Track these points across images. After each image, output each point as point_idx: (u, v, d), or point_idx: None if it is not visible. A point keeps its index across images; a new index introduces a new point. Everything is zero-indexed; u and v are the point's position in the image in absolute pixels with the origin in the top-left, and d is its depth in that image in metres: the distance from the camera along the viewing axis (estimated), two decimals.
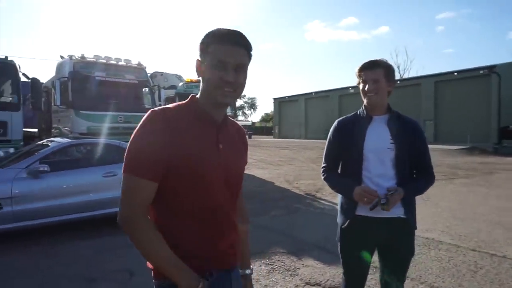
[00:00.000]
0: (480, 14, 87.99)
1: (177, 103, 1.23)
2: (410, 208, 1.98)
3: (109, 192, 5.04)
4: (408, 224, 1.98)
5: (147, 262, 1.18)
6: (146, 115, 1.15)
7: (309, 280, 3.53)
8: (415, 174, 2.07)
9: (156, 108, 1.17)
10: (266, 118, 76.44)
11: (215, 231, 1.20)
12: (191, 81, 12.17)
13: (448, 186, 9.29)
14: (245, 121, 73.04)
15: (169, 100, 11.17)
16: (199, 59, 1.20)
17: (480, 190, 8.70)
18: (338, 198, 2.17)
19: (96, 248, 4.47)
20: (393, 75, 2.04)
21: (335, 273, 3.67)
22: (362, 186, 1.94)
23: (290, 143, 32.48)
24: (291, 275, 3.68)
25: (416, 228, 2.03)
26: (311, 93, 42.90)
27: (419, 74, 40.47)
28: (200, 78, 1.22)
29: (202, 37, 1.19)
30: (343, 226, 2.04)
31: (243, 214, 1.44)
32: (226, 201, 1.23)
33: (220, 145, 1.21)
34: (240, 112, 78.26)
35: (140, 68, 9.58)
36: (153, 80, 11.38)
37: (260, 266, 3.88)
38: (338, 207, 2.14)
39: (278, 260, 4.06)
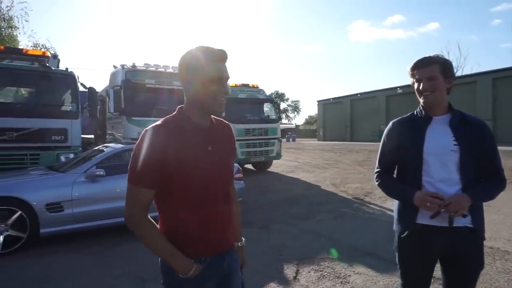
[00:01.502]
0: None
1: (164, 118, 1.42)
2: (478, 216, 1.82)
3: None
4: (476, 234, 1.81)
5: None
6: (144, 132, 1.37)
7: None
8: (482, 178, 1.88)
9: (150, 126, 1.38)
10: (310, 121, 75.61)
11: (210, 221, 1.43)
12: (236, 85, 12.35)
13: (511, 191, 8.56)
14: (289, 124, 72.76)
15: None
16: (189, 72, 1.38)
17: None
18: (394, 204, 2.05)
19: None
20: (451, 70, 1.89)
21: (389, 282, 3.50)
22: (424, 190, 1.81)
23: (335, 145, 31.82)
24: (341, 282, 3.56)
25: (484, 239, 1.86)
26: (357, 94, 41.77)
27: (474, 72, 37.85)
28: (186, 89, 1.42)
29: (190, 52, 1.39)
30: (402, 236, 1.91)
31: (234, 197, 1.63)
32: (219, 193, 1.45)
33: (209, 147, 1.42)
34: (284, 115, 78.08)
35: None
36: None
37: (309, 272, 3.80)
38: (395, 215, 2.01)
39: (328, 267, 3.94)
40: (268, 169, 13.44)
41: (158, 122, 1.40)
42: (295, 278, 3.68)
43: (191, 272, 1.38)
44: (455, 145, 1.82)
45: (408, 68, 1.95)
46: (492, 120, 28.03)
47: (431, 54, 1.91)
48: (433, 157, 1.84)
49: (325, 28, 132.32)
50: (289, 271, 3.80)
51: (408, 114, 2.03)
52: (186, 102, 1.45)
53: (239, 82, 12.62)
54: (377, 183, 2.06)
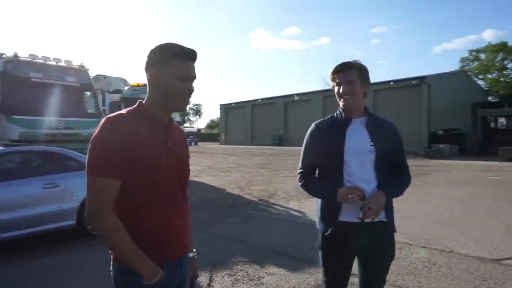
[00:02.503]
0: (408, 30, 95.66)
1: (128, 109, 1.37)
2: (389, 210, 1.97)
3: (52, 205, 4.55)
4: (388, 227, 1.97)
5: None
6: (103, 121, 1.28)
7: None
8: (392, 176, 2.04)
9: (111, 115, 1.32)
10: (211, 125, 75.78)
11: (170, 222, 1.35)
12: (138, 85, 11.60)
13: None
14: (191, 127, 71.80)
15: (114, 104, 10.54)
16: (156, 67, 1.34)
17: (418, 190, 9.28)
18: (316, 204, 2.11)
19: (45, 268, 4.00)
20: (367, 76, 2.02)
21: (301, 280, 3.63)
22: (345, 186, 1.90)
23: (237, 149, 32.45)
24: (256, 284, 3.57)
25: (395, 231, 2.03)
26: (258, 99, 43.37)
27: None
28: (151, 84, 1.37)
29: (160, 47, 1.35)
30: (326, 234, 1.97)
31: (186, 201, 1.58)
32: (179, 192, 1.41)
33: (169, 143, 1.38)
34: (185, 119, 76.78)
35: (82, 70, 8.92)
36: (95, 83, 10.67)
37: (223, 277, 3.72)
38: (318, 214, 2.07)
39: (241, 270, 3.92)
40: None
41: (122, 112, 1.34)
42: (209, 285, 3.57)
43: (158, 277, 1.28)
44: (371, 145, 1.94)
45: (329, 73, 2.04)
46: None
47: (351, 60, 2.02)
48: (353, 157, 1.93)
49: (227, 34, 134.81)
50: (202, 278, 3.67)
51: (329, 116, 2.12)
52: (149, 97, 1.39)
53: (142, 82, 11.86)
54: (300, 183, 2.10)
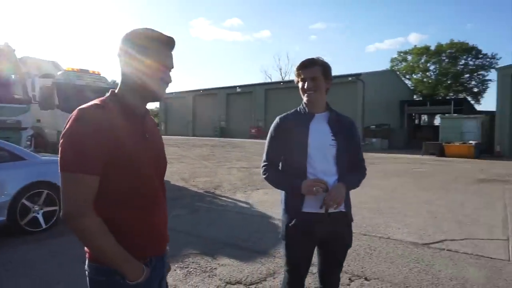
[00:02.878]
0: (345, 28, 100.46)
1: (100, 99, 1.26)
2: (347, 201, 2.08)
3: None
4: (347, 217, 2.09)
5: (85, 247, 1.24)
6: (76, 113, 1.18)
7: (229, 280, 3.47)
8: (350, 168, 2.15)
9: (84, 106, 1.20)
10: (151, 114, 73.05)
11: (152, 218, 1.29)
12: (73, 70, 10.77)
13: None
14: None
15: (46, 89, 9.67)
16: (133, 54, 1.25)
17: None
18: (281, 196, 2.16)
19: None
20: (330, 73, 2.10)
21: (253, 269, 3.70)
22: (309, 179, 1.97)
23: (178, 140, 31.73)
24: (209, 276, 3.56)
25: (352, 221, 2.15)
26: (199, 90, 42.73)
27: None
28: (127, 72, 1.28)
29: (137, 33, 1.26)
30: (290, 224, 2.02)
31: None
32: (158, 186, 1.34)
33: (147, 134, 1.31)
34: None
35: (7, 51, 8.04)
36: (23, 66, 9.69)
37: (175, 270, 3.65)
38: (282, 205, 2.12)
39: (193, 262, 3.89)
40: None
41: (96, 102, 1.23)
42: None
43: (143, 277, 1.22)
44: (333, 140, 2.03)
45: (294, 68, 2.08)
46: None
47: (314, 57, 2.08)
48: (316, 150, 2.01)
49: (168, 20, 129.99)
50: None
51: (293, 111, 2.17)
52: (124, 85, 1.30)
53: (76, 67, 11.01)
54: (264, 176, 2.13)
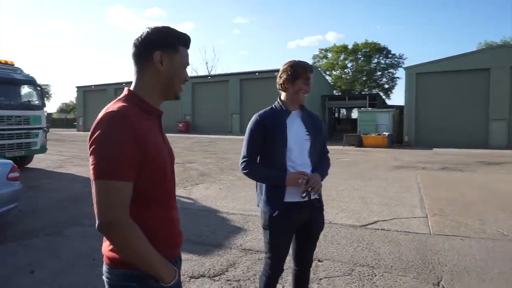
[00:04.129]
0: (267, 24, 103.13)
1: (122, 99, 1.24)
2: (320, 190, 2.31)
3: None
4: (321, 203, 2.32)
5: (108, 252, 1.22)
6: (106, 116, 1.15)
7: (192, 274, 3.52)
8: (319, 159, 2.36)
9: (112, 110, 1.17)
10: (65, 109, 67.11)
11: (174, 217, 1.32)
12: (6, 63, 9.61)
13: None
14: None
15: None
16: (166, 53, 1.26)
17: None
18: (261, 188, 2.29)
19: None
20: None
21: (213, 262, 3.79)
22: (292, 172, 2.14)
23: None
24: None
25: (322, 207, 2.36)
26: (121, 83, 40.45)
27: (225, 72, 44.06)
28: (152, 70, 1.26)
29: (167, 32, 1.28)
30: (274, 215, 2.17)
31: None
32: (174, 186, 1.37)
33: (162, 135, 1.33)
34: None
35: None
36: None
37: None
38: (263, 197, 2.24)
39: None
40: (28, 166, 11.22)
41: (120, 103, 1.21)
42: None
43: (176, 277, 1.23)
44: (307, 134, 2.23)
45: (306, 69, 2.19)
46: (240, 113, 33.66)
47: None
48: (294, 145, 2.19)
49: (80, 5, 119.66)
50: None
51: (269, 108, 2.31)
52: (143, 83, 1.28)
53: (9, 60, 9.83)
54: (244, 171, 2.24)
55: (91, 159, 1.14)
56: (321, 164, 2.32)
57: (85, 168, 11.28)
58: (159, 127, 1.32)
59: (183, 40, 1.31)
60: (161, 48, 1.25)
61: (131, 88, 1.30)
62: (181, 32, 1.31)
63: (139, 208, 1.20)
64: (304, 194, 2.11)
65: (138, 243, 1.14)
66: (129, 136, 1.13)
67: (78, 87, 44.22)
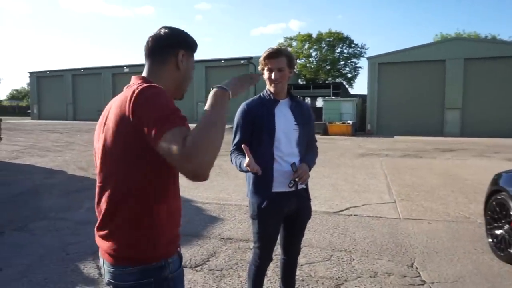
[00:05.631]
0: (229, 10, 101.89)
1: (141, 83, 1.19)
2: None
3: None
4: (308, 193, 2.33)
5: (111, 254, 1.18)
6: (151, 88, 1.11)
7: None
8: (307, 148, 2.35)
9: (148, 85, 1.13)
10: (17, 96, 62.96)
11: (179, 202, 1.31)
12: None
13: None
14: None
15: None
16: (187, 54, 1.32)
17: None
18: (248, 177, 2.26)
19: None
20: (294, 63, 2.22)
21: (193, 252, 3.75)
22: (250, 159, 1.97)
23: (57, 125, 28.46)
24: None
25: (309, 196, 2.37)
26: (80, 69, 38.57)
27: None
28: (174, 68, 1.30)
29: (187, 36, 1.33)
30: (262, 205, 2.16)
31: None
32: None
33: None
34: None
35: None
36: None
37: None
38: (250, 187, 2.23)
39: None
40: None
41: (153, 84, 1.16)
42: (100, 274, 3.27)
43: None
44: (295, 124, 2.22)
45: (261, 58, 2.17)
46: (204, 101, 33.23)
47: (278, 46, 2.21)
48: (282, 134, 2.17)
49: None
50: (89, 269, 3.32)
51: (257, 96, 2.28)
52: (162, 79, 1.27)
53: None
54: (230, 159, 2.22)
55: (149, 122, 1.03)
56: (308, 154, 2.31)
57: (45, 158, 10.72)
58: None
59: (196, 47, 1.38)
60: (184, 48, 1.31)
61: (144, 75, 1.30)
62: (192, 37, 1.37)
63: (155, 195, 1.18)
64: (291, 184, 2.11)
65: (215, 125, 1.05)
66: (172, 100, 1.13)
67: (31, 73, 41.52)
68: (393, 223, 4.81)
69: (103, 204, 1.19)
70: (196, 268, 3.40)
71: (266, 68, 2.17)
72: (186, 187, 6.92)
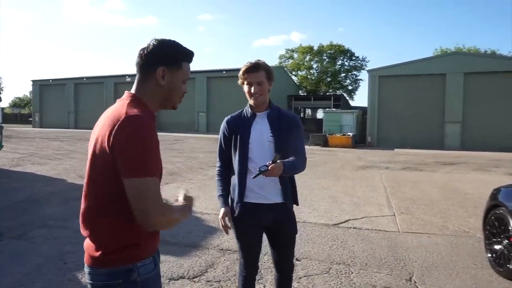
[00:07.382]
0: (231, 21, 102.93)
1: (130, 103, 1.29)
2: (287, 194, 2.25)
3: None
4: (287, 207, 2.27)
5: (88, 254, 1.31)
6: (135, 119, 1.20)
7: (171, 276, 3.45)
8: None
9: (136, 114, 1.23)
10: (19, 104, 63.24)
11: None
12: None
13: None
14: None
15: None
16: (168, 69, 1.33)
17: None
18: (231, 189, 2.32)
19: None
20: (272, 76, 2.22)
21: (192, 263, 3.74)
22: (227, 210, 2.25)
23: (59, 133, 28.55)
24: None
25: (290, 211, 2.31)
26: (82, 78, 38.84)
27: (191, 69, 43.40)
28: (155, 83, 1.33)
29: (173, 48, 1.34)
30: (234, 215, 2.23)
31: None
32: None
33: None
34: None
35: None
36: None
37: None
38: (231, 195, 2.31)
39: None
40: None
41: (139, 109, 1.27)
42: None
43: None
44: (271, 136, 2.19)
45: (240, 72, 2.18)
46: (207, 112, 33.40)
47: (257, 60, 2.18)
48: (256, 148, 2.18)
49: None
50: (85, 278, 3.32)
51: (239, 111, 2.32)
52: (146, 93, 1.34)
53: None
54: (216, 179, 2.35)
55: (121, 158, 1.18)
56: (291, 158, 2.15)
57: (46, 166, 10.73)
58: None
59: (188, 56, 1.39)
60: (165, 64, 1.32)
61: (133, 92, 1.36)
62: (187, 49, 1.38)
63: (131, 212, 1.24)
64: (254, 176, 2.05)
65: (171, 213, 1.28)
66: (155, 138, 1.22)
67: (33, 81, 41.82)
68: (392, 236, 4.80)
69: (83, 209, 1.30)
70: (194, 279, 3.39)
71: (245, 82, 2.18)
72: None
